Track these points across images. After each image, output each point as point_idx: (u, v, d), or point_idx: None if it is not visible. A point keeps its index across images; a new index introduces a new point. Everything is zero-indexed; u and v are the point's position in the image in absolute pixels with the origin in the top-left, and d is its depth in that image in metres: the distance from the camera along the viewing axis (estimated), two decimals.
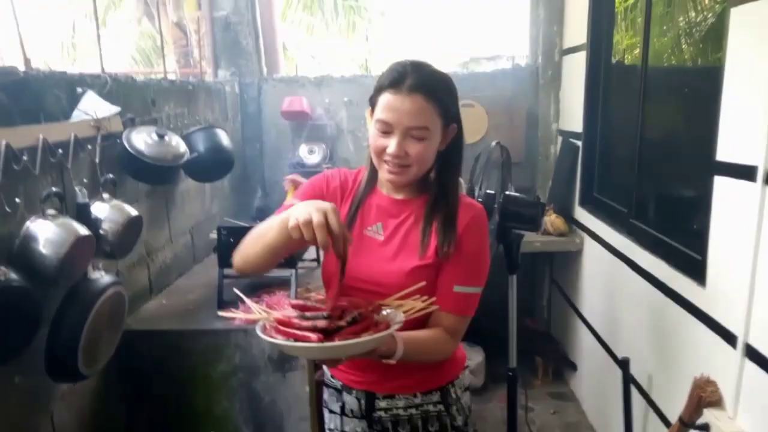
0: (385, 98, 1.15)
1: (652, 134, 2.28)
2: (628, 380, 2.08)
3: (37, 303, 1.31)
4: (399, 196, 1.27)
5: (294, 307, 1.04)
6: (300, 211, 0.99)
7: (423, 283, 1.14)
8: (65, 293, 1.51)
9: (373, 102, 1.19)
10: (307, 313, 0.99)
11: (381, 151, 1.18)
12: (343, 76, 3.57)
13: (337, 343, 0.94)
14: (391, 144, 1.15)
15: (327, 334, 0.95)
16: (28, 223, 1.40)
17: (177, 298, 2.25)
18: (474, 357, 3.00)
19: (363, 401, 1.32)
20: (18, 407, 1.46)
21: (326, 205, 0.99)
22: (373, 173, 1.28)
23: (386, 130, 1.16)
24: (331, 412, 1.39)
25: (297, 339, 0.95)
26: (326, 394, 1.41)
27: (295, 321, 0.98)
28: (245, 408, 1.92)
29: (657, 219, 2.17)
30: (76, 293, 1.52)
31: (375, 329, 0.99)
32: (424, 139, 1.16)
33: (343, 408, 1.35)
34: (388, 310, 1.08)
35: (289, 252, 1.12)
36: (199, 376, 1.91)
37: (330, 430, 1.40)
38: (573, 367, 3.03)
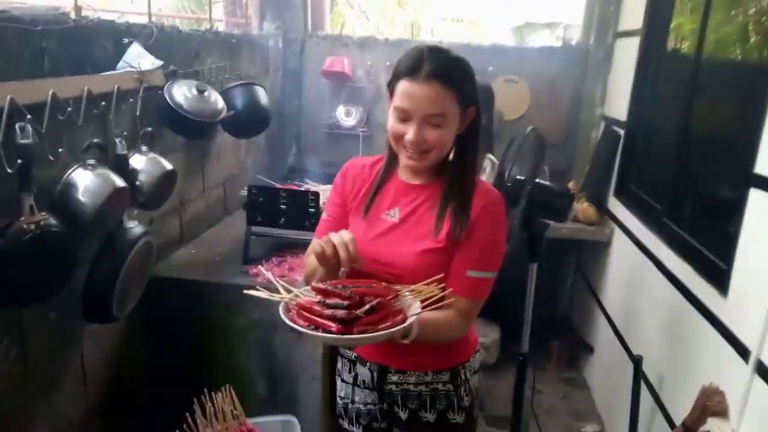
0: (403, 86, 1.16)
1: (697, 132, 2.20)
2: (639, 378, 2.09)
3: (73, 249, 1.39)
4: (417, 181, 1.29)
5: (316, 291, 1.08)
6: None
7: (441, 275, 1.17)
8: (102, 240, 1.59)
9: (391, 88, 1.21)
10: (328, 301, 1.03)
11: (399, 138, 1.20)
12: (387, 39, 3.52)
13: (354, 336, 1.00)
14: (410, 131, 1.17)
15: (346, 323, 1.00)
16: (69, 172, 1.47)
17: (205, 248, 2.33)
18: (489, 334, 3.04)
19: (376, 373, 1.37)
20: (51, 341, 1.57)
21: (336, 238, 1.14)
22: (392, 159, 1.30)
23: (404, 117, 1.18)
24: (343, 381, 1.44)
25: (317, 326, 1.00)
26: (339, 363, 1.46)
27: (317, 308, 1.02)
28: (261, 362, 2.01)
29: (689, 221, 2.12)
30: (113, 241, 1.61)
31: (392, 318, 1.03)
32: (442, 126, 1.18)
33: (355, 378, 1.40)
34: (407, 295, 1.12)
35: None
36: (219, 327, 2.00)
37: (341, 398, 1.46)
38: (590, 349, 3.03)
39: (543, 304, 3.24)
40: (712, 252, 1.81)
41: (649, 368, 2.12)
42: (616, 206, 2.82)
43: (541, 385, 2.93)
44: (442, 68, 1.15)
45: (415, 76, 1.14)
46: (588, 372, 3.09)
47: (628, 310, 2.52)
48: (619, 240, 2.73)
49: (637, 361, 2.10)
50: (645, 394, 2.12)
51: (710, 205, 2.08)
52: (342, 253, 1.11)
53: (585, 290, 3.21)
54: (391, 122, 1.21)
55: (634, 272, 2.46)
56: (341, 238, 1.13)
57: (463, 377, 1.37)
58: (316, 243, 1.14)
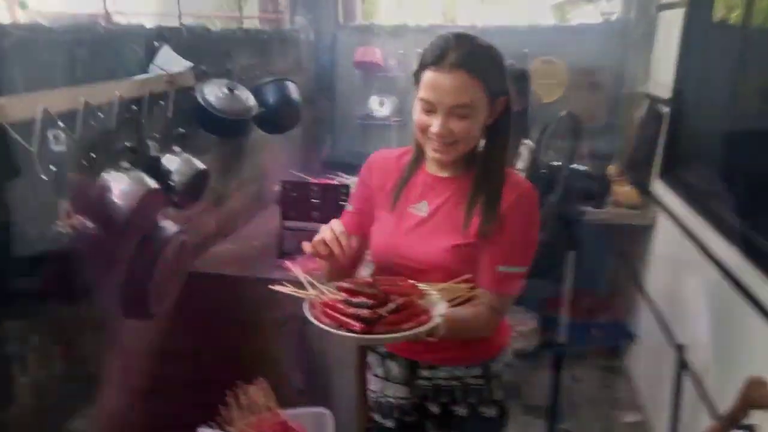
0: (428, 76, 1.13)
1: (748, 109, 2.07)
2: (682, 367, 2.01)
3: (109, 250, 1.44)
4: (444, 174, 1.26)
5: (341, 289, 1.08)
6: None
7: (470, 275, 1.16)
8: (139, 240, 1.64)
9: (417, 78, 1.18)
10: (353, 300, 1.03)
11: (425, 129, 1.17)
12: (419, 25, 3.47)
13: (376, 336, 1.00)
14: (435, 123, 1.14)
15: (369, 322, 1.00)
16: (103, 175, 1.52)
17: (241, 243, 2.38)
18: (527, 322, 2.97)
19: (406, 369, 1.37)
20: (91, 338, 1.64)
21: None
22: (420, 151, 1.28)
23: (429, 108, 1.15)
24: (375, 375, 1.45)
25: (341, 324, 1.01)
26: (370, 358, 1.46)
27: (341, 306, 1.03)
28: (295, 355, 2.04)
29: (740, 204, 2.01)
30: (148, 240, 1.65)
31: (417, 318, 1.03)
32: (468, 117, 1.14)
33: (386, 373, 1.41)
34: (433, 294, 1.10)
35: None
36: (255, 320, 2.03)
37: (372, 392, 1.46)
38: (631, 337, 2.94)
39: (583, 291, 3.17)
40: (764, 237, 1.71)
41: (694, 358, 2.04)
42: (660, 189, 2.71)
43: (581, 373, 2.87)
44: (469, 56, 1.11)
45: (440, 65, 1.11)
46: (629, 360, 3.00)
47: (671, 297, 2.42)
48: (663, 224, 2.62)
49: (680, 350, 2.03)
50: (689, 385, 2.05)
51: (762, 187, 1.96)
52: (336, 250, 1.12)
53: (626, 276, 3.11)
54: (417, 113, 1.18)
55: (679, 258, 2.36)
56: (332, 233, 1.13)
57: (494, 371, 1.35)
58: (306, 245, 1.15)
